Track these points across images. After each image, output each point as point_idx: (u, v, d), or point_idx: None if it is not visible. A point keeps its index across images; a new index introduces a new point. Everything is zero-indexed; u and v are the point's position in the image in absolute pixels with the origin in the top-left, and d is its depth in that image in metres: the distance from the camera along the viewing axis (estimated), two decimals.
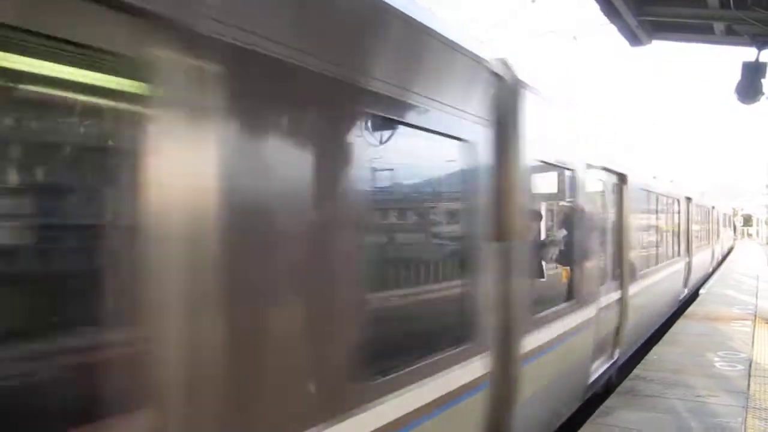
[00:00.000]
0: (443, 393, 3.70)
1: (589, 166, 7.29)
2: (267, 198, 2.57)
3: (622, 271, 9.30)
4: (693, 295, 18.51)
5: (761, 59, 7.88)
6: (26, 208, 2.09)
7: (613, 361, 8.82)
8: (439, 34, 3.94)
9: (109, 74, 2.11)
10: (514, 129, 4.96)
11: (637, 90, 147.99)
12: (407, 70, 3.64)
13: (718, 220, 31.00)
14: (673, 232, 15.60)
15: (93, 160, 2.25)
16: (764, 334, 12.23)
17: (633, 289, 9.69)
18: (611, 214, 8.94)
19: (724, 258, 34.70)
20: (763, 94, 8.03)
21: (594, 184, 7.69)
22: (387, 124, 3.47)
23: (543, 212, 6.53)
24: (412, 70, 3.70)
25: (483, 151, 4.46)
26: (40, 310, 2.05)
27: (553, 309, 5.97)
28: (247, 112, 2.47)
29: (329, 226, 2.91)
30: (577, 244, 6.92)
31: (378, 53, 3.38)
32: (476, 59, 4.46)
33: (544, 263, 6.40)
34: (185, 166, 2.19)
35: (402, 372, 3.39)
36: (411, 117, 3.62)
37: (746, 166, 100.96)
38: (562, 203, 7.07)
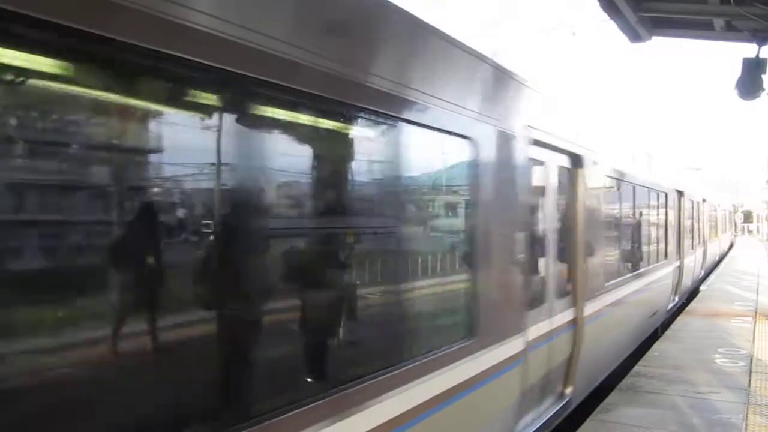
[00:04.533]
0: None
1: None
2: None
3: None
4: (693, 292, 18.50)
5: (761, 55, 7.86)
6: None
7: None
8: None
9: None
10: None
11: (638, 85, 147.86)
12: None
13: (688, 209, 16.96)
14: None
15: None
16: (765, 331, 12.23)
17: None
18: None
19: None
20: (763, 89, 8.01)
21: None
22: None
23: None
24: None
25: None
26: None
27: None
28: None
29: None
30: None
31: None
32: None
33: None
34: None
35: None
36: None
37: (747, 162, 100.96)
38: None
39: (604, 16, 7.92)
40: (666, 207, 13.56)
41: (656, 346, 10.87)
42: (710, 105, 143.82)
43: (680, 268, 15.06)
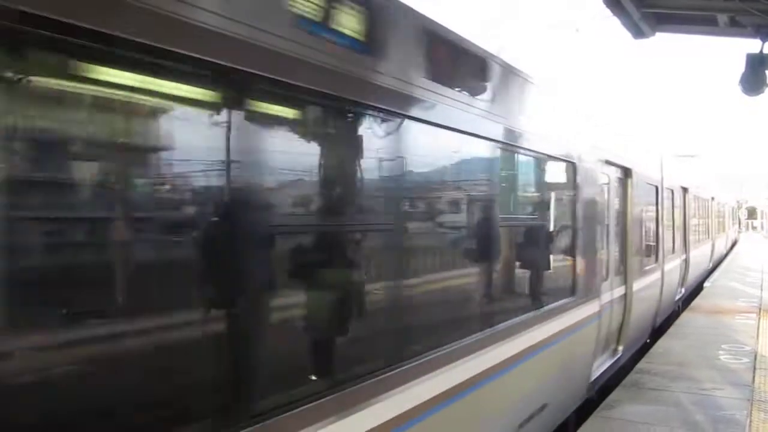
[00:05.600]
0: None
1: None
2: None
3: None
4: (697, 289, 18.47)
5: (765, 51, 7.83)
6: None
7: None
8: None
9: None
10: None
11: (641, 80, 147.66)
12: None
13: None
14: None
15: None
16: None
17: None
18: None
19: None
20: (767, 85, 7.98)
21: None
22: None
23: None
24: None
25: None
26: None
27: None
28: None
29: None
30: None
31: None
32: None
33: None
34: None
35: None
36: None
37: (751, 159, 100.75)
38: None
39: (607, 13, 7.91)
40: (575, 192, 6.92)
41: (660, 343, 10.87)
42: (715, 101, 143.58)
43: (626, 299, 9.03)
